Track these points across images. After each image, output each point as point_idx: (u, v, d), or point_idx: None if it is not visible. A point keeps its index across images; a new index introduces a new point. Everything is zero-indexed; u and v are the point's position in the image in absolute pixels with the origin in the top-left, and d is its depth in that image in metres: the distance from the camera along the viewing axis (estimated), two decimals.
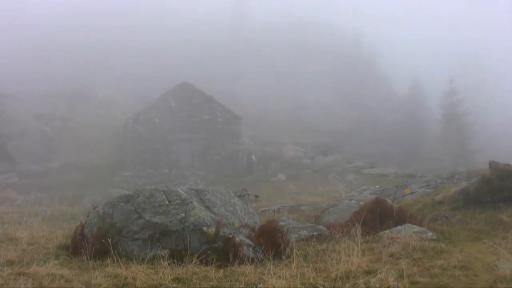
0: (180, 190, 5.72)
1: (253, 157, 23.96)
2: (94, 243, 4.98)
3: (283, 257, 4.88)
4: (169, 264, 4.61)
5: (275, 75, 38.99)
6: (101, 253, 4.89)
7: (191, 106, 24.11)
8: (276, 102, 36.31)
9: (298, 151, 27.63)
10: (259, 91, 36.71)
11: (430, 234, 5.59)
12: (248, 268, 4.46)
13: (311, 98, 37.22)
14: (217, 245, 4.88)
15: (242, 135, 25.54)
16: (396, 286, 3.82)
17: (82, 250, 4.93)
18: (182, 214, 5.25)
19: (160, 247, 4.89)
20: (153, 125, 23.40)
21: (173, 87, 24.27)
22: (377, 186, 15.91)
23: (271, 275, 4.24)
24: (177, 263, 4.65)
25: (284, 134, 29.85)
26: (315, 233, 5.94)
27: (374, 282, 3.89)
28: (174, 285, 4.12)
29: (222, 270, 4.54)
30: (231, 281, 4.23)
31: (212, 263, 4.67)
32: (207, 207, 5.73)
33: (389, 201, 7.46)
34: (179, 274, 4.37)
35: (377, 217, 6.34)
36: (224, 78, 34.75)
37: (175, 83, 24.35)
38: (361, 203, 9.01)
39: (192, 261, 4.67)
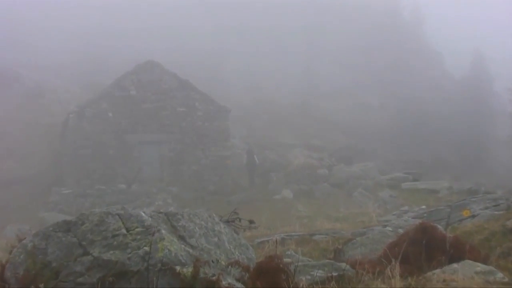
0: (143, 214, 5.71)
1: (255, 157, 24.96)
2: None
3: None
4: None
5: (278, 52, 39.47)
6: None
7: (159, 95, 24.38)
8: (279, 89, 36.85)
9: (311, 158, 28.09)
10: (255, 74, 37.42)
11: (500, 275, 5.50)
12: None
13: (329, 84, 37.58)
14: None
15: (231, 135, 26.04)
16: None
17: None
18: (145, 248, 5.21)
19: None
20: (105, 121, 23.63)
21: (133, 68, 24.48)
22: (423, 207, 15.95)
23: None
24: None
25: (292, 134, 30.58)
26: (334, 274, 5.94)
27: None
28: None
29: None
30: None
31: None
32: (181, 238, 5.71)
33: (440, 228, 7.45)
34: None
35: (423, 250, 6.34)
36: (207, 59, 35.19)
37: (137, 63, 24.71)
38: (400, 230, 9.03)
39: None
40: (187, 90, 24.88)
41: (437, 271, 5.71)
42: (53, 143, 25.85)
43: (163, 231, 5.38)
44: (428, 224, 7.00)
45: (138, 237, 5.34)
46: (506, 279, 5.39)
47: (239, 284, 5.20)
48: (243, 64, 37.50)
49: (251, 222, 8.62)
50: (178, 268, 5.07)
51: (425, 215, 12.73)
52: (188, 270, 5.07)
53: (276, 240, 8.86)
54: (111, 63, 32.25)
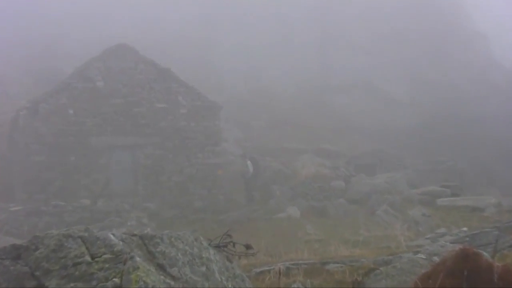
0: (113, 237, 5.62)
1: (248, 164, 25.59)
2: None
3: None
4: None
5: (284, 39, 39.57)
6: None
7: (132, 87, 24.58)
8: (284, 81, 37.48)
9: (324, 167, 28.35)
10: (255, 65, 37.92)
11: None
12: None
13: (346, 75, 37.88)
14: None
15: (223, 137, 26.56)
16: None
17: None
18: (115, 280, 5.11)
19: None
20: (64, 120, 23.67)
21: (100, 53, 24.61)
22: (464, 229, 15.92)
23: None
24: None
25: (299, 137, 31.20)
26: None
27: None
28: None
29: None
30: None
31: None
32: (161, 267, 5.60)
33: (485, 255, 7.39)
34: None
35: (465, 283, 6.31)
36: (195, 47, 35.28)
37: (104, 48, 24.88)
38: (436, 258, 8.98)
39: None
40: (168, 82, 25.05)
41: None
42: None
43: (137, 259, 5.34)
44: (471, 250, 6.94)
45: (106, 265, 5.26)
46: None
47: None
48: (239, 54, 37.87)
49: (248, 247, 8.61)
50: None
51: (466, 239, 12.69)
52: None
53: (280, 270, 8.95)
54: (73, 47, 32.26)
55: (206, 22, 39.30)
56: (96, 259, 5.21)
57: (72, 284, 5.03)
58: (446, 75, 36.60)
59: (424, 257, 10.04)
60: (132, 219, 21.43)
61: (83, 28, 35.83)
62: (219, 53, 36.80)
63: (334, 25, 40.16)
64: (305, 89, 36.87)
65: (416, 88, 37.83)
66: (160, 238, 5.92)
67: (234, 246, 7.91)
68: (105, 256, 5.26)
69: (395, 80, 38.75)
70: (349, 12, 40.28)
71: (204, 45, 37.45)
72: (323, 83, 37.74)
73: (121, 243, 5.49)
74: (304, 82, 37.39)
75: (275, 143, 31.10)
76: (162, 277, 5.36)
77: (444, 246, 11.96)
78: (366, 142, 31.42)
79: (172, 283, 5.37)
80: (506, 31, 40.50)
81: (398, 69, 38.44)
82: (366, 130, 32.60)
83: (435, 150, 31.91)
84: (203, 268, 5.90)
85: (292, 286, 7.85)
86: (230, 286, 6.03)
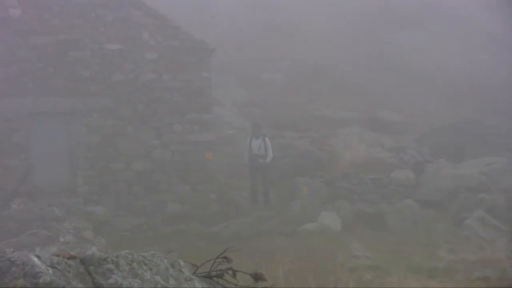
0: (36, 261, 5.33)
1: (257, 143, 25.50)
2: None
3: None
4: None
5: None
6: None
7: (68, 18, 24.52)
8: (317, 12, 39.75)
9: (381, 148, 29.01)
10: None
11: None
12: None
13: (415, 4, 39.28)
14: None
15: (216, 100, 27.04)
16: None
17: None
18: None
19: None
20: None
21: None
22: None
23: None
24: None
25: (341, 99, 32.17)
26: None
27: None
28: None
29: None
30: None
31: None
32: None
33: None
34: None
35: None
36: None
37: None
38: None
39: None
40: (126, 8, 25.04)
41: None
42: None
43: None
44: None
45: None
46: None
47: None
48: None
49: (257, 277, 8.71)
50: None
51: None
52: None
53: None
54: None
55: None
56: None
57: None
58: None
59: None
60: (68, 231, 21.51)
61: None
62: None
63: None
64: (352, 22, 36.86)
65: None
66: (114, 262, 5.82)
67: (234, 275, 7.54)
68: None
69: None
70: None
71: None
72: (378, 14, 37.81)
73: (50, 270, 5.38)
74: (350, 11, 37.46)
75: (301, 110, 31.53)
76: None
77: None
78: (449, 108, 31.19)
79: None
80: None
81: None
82: (448, 89, 32.42)
83: None
84: None
85: None
86: None
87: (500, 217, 22.12)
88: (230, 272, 7.93)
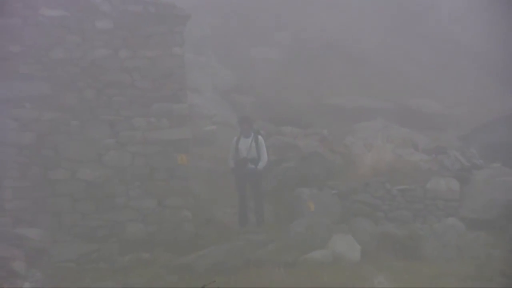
0: None
1: (247, 142, 25.45)
2: None
3: None
4: None
5: None
6: None
7: None
8: None
9: (412, 148, 28.85)
10: None
11: None
12: None
13: None
14: None
15: (192, 84, 26.68)
16: None
17: None
18: None
19: None
20: None
21: None
22: None
23: None
24: None
25: (359, 82, 32.81)
26: None
27: None
28: None
29: None
30: None
31: None
32: None
33: None
34: None
35: None
36: None
37: None
38: None
39: None
40: None
41: None
42: None
43: None
44: None
45: None
46: None
47: None
48: None
49: None
50: None
51: None
52: None
53: None
54: None
55: None
56: None
57: None
58: None
59: None
60: None
61: None
62: None
63: None
64: None
65: None
66: None
67: None
68: None
69: None
70: None
71: None
72: None
73: None
74: None
75: (306, 98, 31.88)
76: None
77: None
78: (506, 95, 30.88)
79: None
80: None
81: None
82: (507, 70, 32.24)
83: None
84: None
85: None
86: None
87: None
88: None
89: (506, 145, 28.92)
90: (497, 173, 26.52)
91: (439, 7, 41.04)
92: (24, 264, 21.66)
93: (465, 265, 21.65)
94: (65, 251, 22.74)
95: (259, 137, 25.51)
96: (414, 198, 26.22)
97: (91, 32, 24.50)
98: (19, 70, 24.16)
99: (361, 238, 23.17)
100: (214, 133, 28.57)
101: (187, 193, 25.01)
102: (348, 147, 28.71)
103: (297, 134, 29.38)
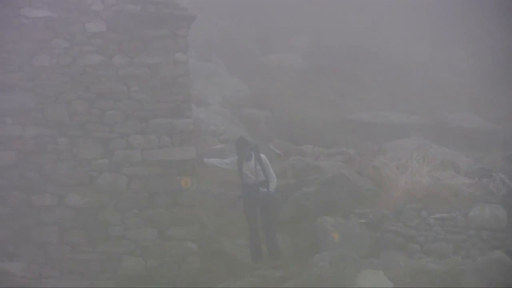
0: None
1: (262, 161, 25.51)
2: None
3: None
4: None
5: None
6: None
7: None
8: None
9: (453, 170, 29.03)
10: None
11: None
12: None
13: None
14: None
15: (198, 96, 27.24)
16: None
17: None
18: None
19: None
20: None
21: None
22: None
23: None
24: None
25: (388, 93, 33.21)
26: None
27: None
28: None
29: None
30: None
31: None
32: None
33: None
34: None
35: None
36: None
37: None
38: None
39: None
40: None
41: None
42: None
43: None
44: None
45: None
46: None
47: None
48: None
49: None
50: None
51: None
52: None
53: None
54: None
55: None
56: None
57: None
58: None
59: None
60: None
61: None
62: None
63: None
64: None
65: None
66: None
67: None
68: None
69: None
70: None
71: None
72: None
73: None
74: None
75: (330, 112, 31.65)
76: None
77: None
78: None
79: None
80: None
81: None
82: None
83: None
84: None
85: None
86: None
87: None
88: None
89: None
90: None
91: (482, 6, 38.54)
92: None
93: None
94: None
95: (262, 156, 25.49)
96: (455, 228, 25.73)
97: (81, 36, 24.40)
98: None
99: (393, 274, 22.83)
100: (223, 152, 28.39)
101: (192, 222, 24.85)
102: (378, 169, 28.55)
103: (319, 154, 29.28)
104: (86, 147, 24.19)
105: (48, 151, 24.19)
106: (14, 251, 23.59)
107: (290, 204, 26.50)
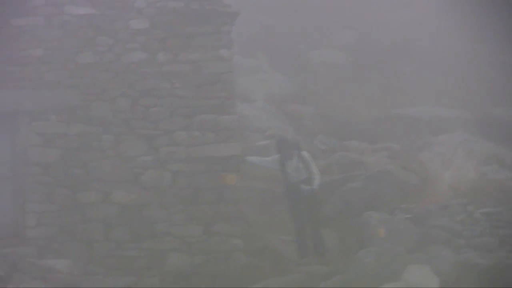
0: None
1: (305, 159, 25.34)
2: None
3: None
4: None
5: None
6: None
7: None
8: None
9: (500, 164, 28.89)
10: None
11: None
12: None
13: None
14: None
15: (242, 92, 27.33)
16: None
17: None
18: None
19: None
20: None
21: None
22: None
23: None
24: None
25: (434, 88, 33.08)
26: None
27: None
28: None
29: None
30: None
31: None
32: None
33: None
34: None
35: None
36: None
37: None
38: None
39: None
40: None
41: None
42: None
43: None
44: None
45: None
46: None
47: None
48: None
49: None
50: None
51: None
52: None
53: None
54: None
55: None
56: None
57: None
58: None
59: None
60: None
61: None
62: None
63: None
64: None
65: None
66: None
67: None
68: None
69: None
70: None
71: None
72: None
73: None
74: None
75: (374, 108, 31.77)
76: None
77: None
78: None
79: None
80: None
81: None
82: None
83: None
84: None
85: None
86: None
87: None
88: None
89: None
90: None
91: None
92: None
93: None
94: (98, 285, 22.79)
95: (303, 153, 25.47)
96: (501, 223, 25.55)
97: (124, 33, 24.59)
98: (43, 77, 24.35)
99: (439, 269, 22.76)
100: (268, 148, 28.29)
101: (238, 218, 24.94)
102: (424, 164, 28.50)
103: (364, 150, 29.30)
104: (130, 144, 24.36)
105: (93, 148, 24.36)
106: (60, 248, 23.75)
107: (336, 199, 26.44)
